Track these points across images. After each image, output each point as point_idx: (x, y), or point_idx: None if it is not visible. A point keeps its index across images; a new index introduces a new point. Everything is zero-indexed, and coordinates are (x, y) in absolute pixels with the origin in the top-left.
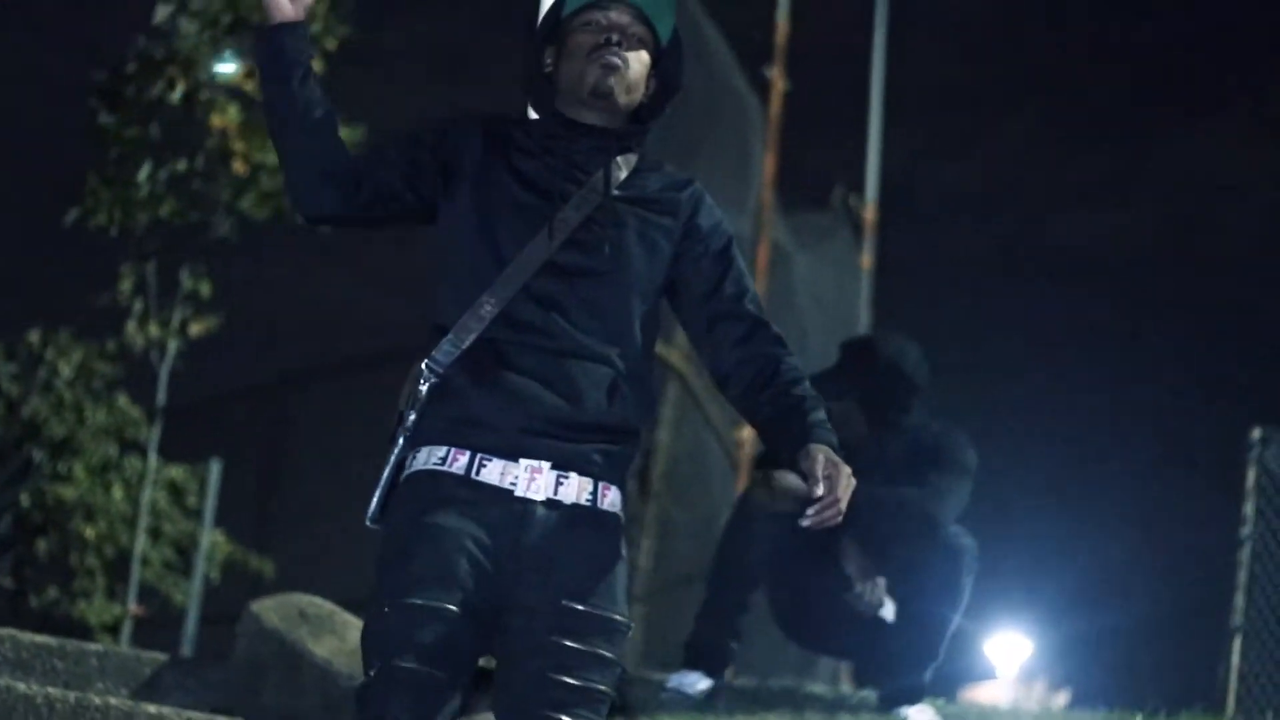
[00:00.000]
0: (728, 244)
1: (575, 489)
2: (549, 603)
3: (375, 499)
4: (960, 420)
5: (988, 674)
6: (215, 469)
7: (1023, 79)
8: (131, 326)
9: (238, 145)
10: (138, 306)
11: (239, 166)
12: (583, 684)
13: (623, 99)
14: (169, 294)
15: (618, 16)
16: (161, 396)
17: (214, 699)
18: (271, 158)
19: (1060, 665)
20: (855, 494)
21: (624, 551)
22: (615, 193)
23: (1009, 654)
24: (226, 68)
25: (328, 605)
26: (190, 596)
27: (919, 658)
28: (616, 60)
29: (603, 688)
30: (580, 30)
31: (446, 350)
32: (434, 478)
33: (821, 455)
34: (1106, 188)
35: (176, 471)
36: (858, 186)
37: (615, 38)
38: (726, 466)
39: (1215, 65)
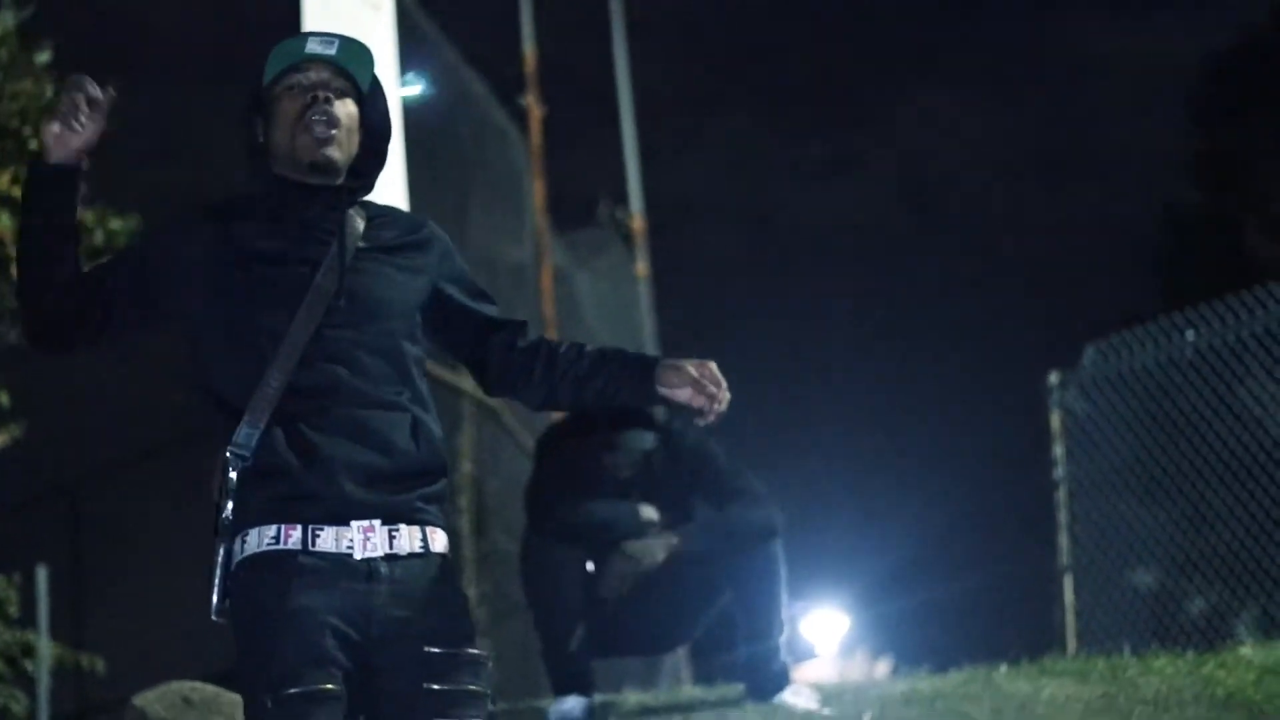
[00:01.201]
0: (463, 270)
1: (407, 539)
2: (412, 652)
3: (214, 592)
4: (757, 410)
5: (807, 653)
6: (43, 575)
7: (740, 70)
8: None
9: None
10: None
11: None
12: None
13: (343, 153)
14: None
15: (317, 74)
16: None
17: None
18: None
19: (880, 636)
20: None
21: (461, 589)
22: (360, 244)
23: (826, 631)
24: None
25: (210, 688)
26: (39, 704)
27: (766, 642)
28: (326, 124)
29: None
30: (284, 96)
31: (246, 433)
32: (272, 559)
33: (671, 362)
34: (837, 163)
35: None
36: (622, 198)
37: (320, 94)
38: None
39: (920, 28)
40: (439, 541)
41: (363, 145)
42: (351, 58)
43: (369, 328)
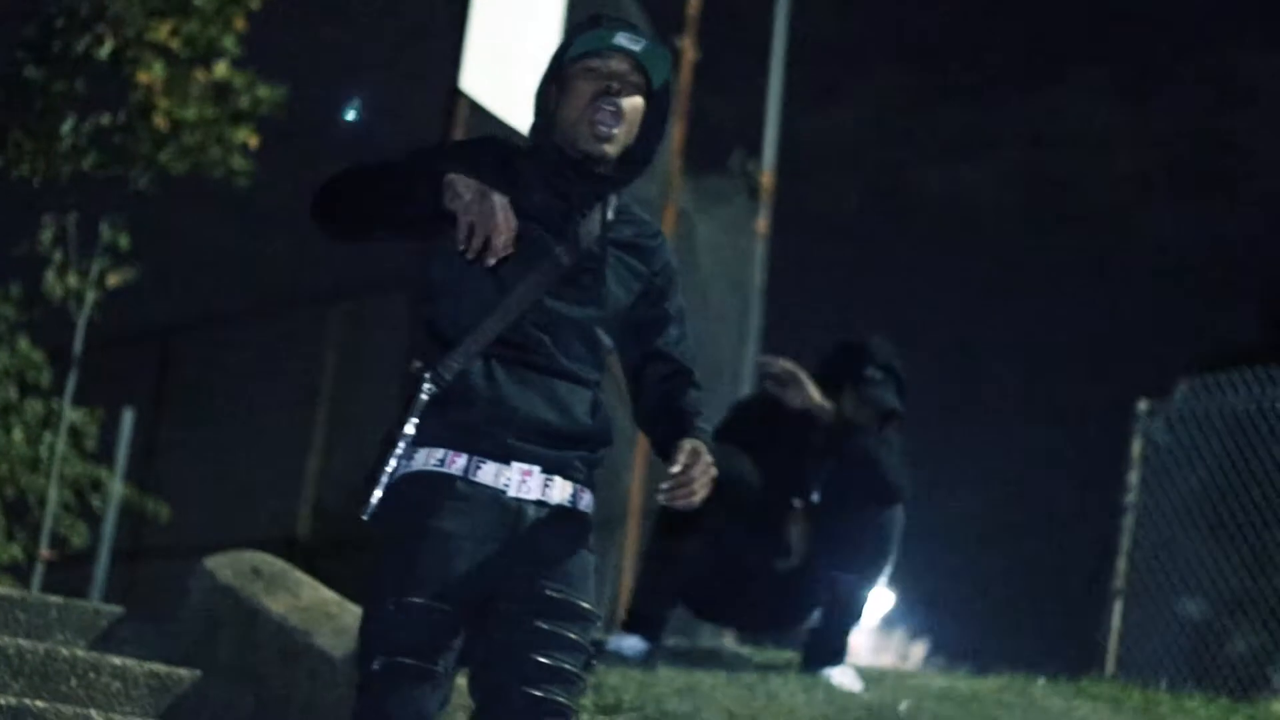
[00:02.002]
0: (675, 289)
1: (559, 491)
2: (532, 590)
3: (373, 496)
4: None
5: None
6: (128, 417)
7: (892, 33)
8: (51, 276)
9: (161, 101)
10: (57, 257)
11: (160, 122)
12: (555, 664)
13: (618, 146)
14: (88, 245)
15: (617, 65)
16: (78, 346)
17: (169, 652)
18: (192, 114)
19: (920, 619)
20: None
21: (593, 550)
22: (609, 235)
23: (870, 604)
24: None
25: (279, 563)
26: (102, 540)
27: (844, 621)
28: (613, 115)
29: (574, 669)
30: (582, 76)
31: (449, 365)
32: (432, 479)
33: (687, 444)
34: (974, 140)
35: (76, 415)
36: (756, 151)
37: (615, 85)
38: (630, 425)
39: (1078, 20)
40: (585, 501)
41: (637, 140)
42: (652, 57)
43: (582, 309)
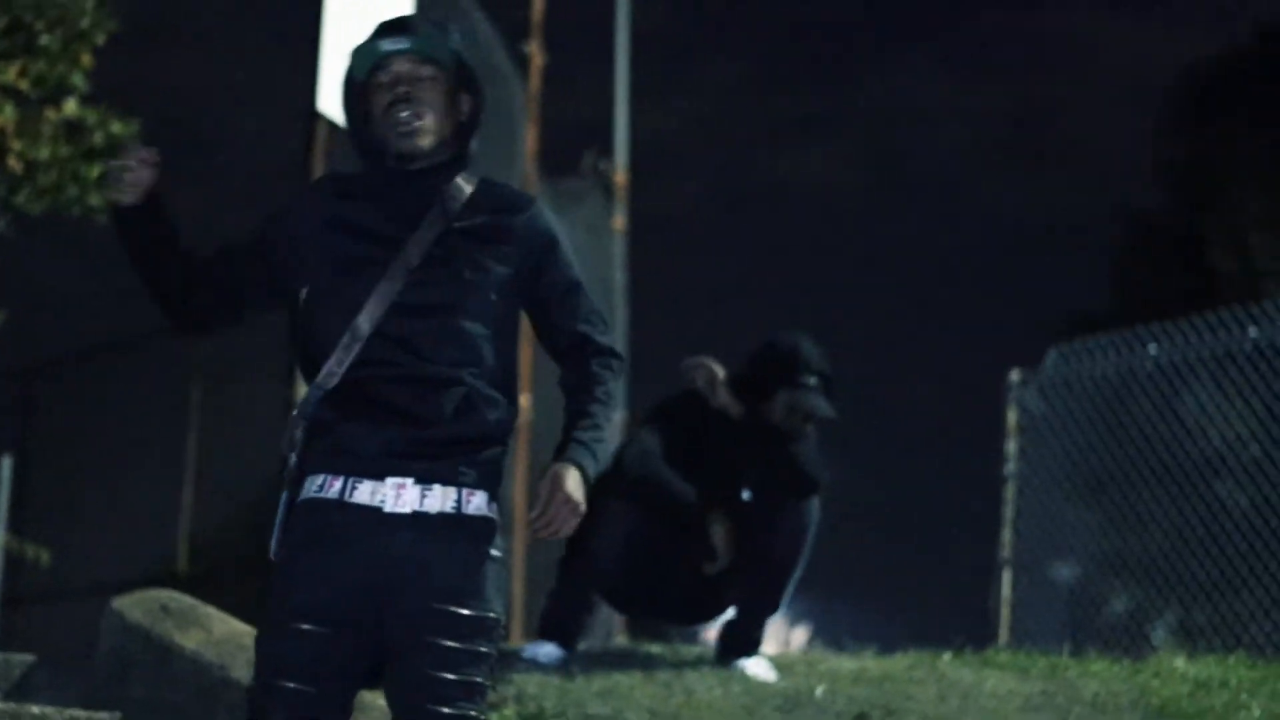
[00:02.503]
0: (557, 259)
1: (439, 499)
2: (424, 607)
3: (274, 535)
4: (711, 352)
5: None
6: (6, 465)
7: (728, 23)
8: None
9: (14, 143)
10: None
11: (14, 164)
12: (461, 678)
13: (431, 136)
14: None
15: (400, 66)
16: None
17: (86, 695)
18: (46, 153)
19: (800, 605)
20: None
21: (495, 550)
22: (455, 224)
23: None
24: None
25: (187, 599)
26: None
27: (760, 613)
28: (410, 117)
29: (480, 680)
30: (374, 91)
31: (312, 397)
32: (315, 505)
33: (550, 476)
34: (816, 124)
35: None
36: (608, 150)
37: (401, 90)
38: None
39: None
40: (474, 504)
41: (466, 115)
42: (425, 43)
43: (440, 306)
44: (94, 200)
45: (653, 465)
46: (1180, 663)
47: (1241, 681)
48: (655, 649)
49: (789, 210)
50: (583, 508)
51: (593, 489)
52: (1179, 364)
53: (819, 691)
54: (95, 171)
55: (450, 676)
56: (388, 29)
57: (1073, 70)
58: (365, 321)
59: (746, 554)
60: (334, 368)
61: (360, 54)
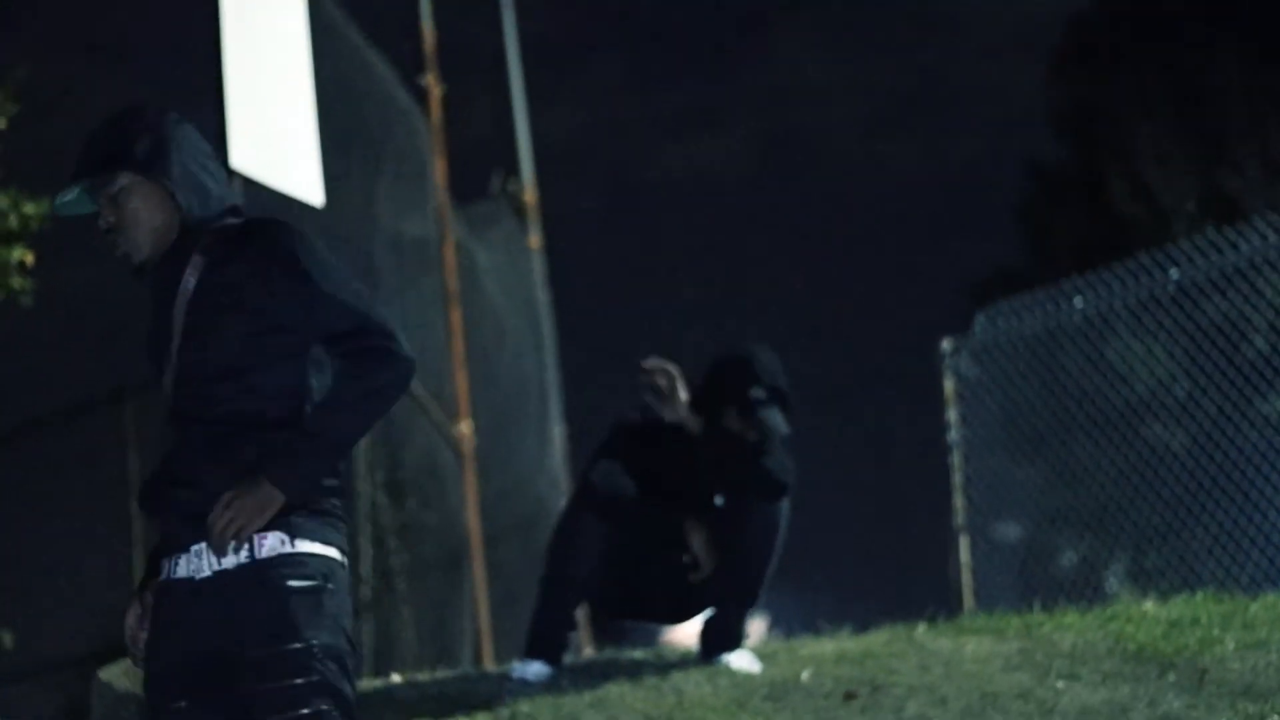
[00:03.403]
0: (295, 275)
1: (232, 555)
2: (245, 657)
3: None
4: (644, 356)
5: None
6: None
7: (612, 17)
8: None
9: None
10: None
11: None
12: (297, 714)
13: (140, 245)
14: None
15: (95, 209)
16: None
17: None
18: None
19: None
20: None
21: (299, 581)
22: (195, 295)
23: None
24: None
25: None
26: None
27: (741, 606)
28: (111, 237)
29: (326, 708)
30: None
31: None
32: (158, 589)
33: (243, 492)
34: (705, 113)
35: None
36: (514, 170)
37: (103, 222)
38: (454, 463)
39: None
40: (268, 545)
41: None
42: (91, 170)
43: (199, 372)
44: (17, 283)
45: (618, 482)
46: (1150, 606)
47: (1211, 618)
48: (639, 654)
49: (696, 201)
50: (255, 518)
51: (566, 508)
52: (1105, 313)
53: (805, 676)
54: (16, 254)
55: (287, 716)
56: (67, 181)
57: (956, 30)
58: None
59: (723, 553)
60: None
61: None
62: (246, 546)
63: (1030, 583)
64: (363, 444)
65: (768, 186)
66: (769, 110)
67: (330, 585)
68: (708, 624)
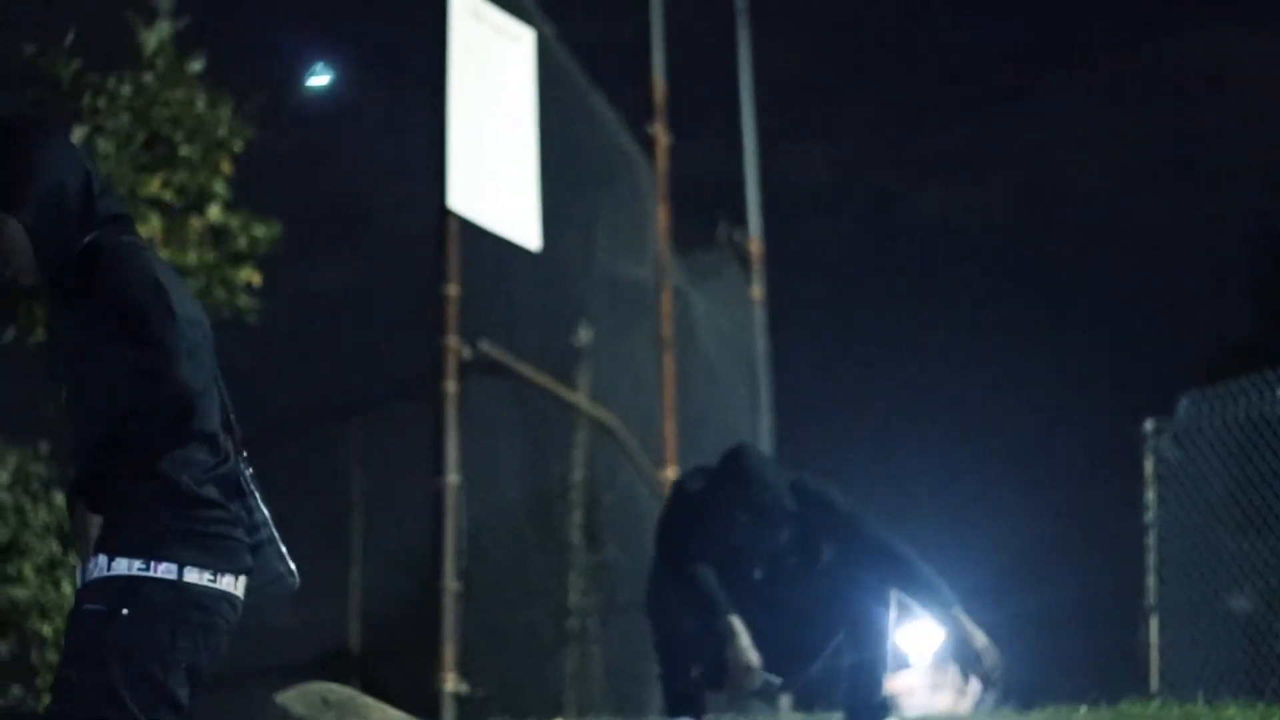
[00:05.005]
0: (97, 301)
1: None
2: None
3: None
4: (860, 413)
5: (901, 663)
6: None
7: (864, 62)
8: None
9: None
10: None
11: None
12: None
13: (35, 271)
14: None
15: None
16: None
17: None
18: (192, 259)
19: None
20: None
21: (92, 605)
22: (60, 323)
23: (921, 642)
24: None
25: (346, 689)
26: None
27: (871, 668)
28: (3, 270)
29: None
30: None
31: None
32: None
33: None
34: (959, 160)
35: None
36: (740, 220)
37: None
38: (656, 509)
39: (1047, 25)
40: (94, 568)
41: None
42: None
43: (72, 399)
44: (242, 302)
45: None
46: None
47: None
48: (798, 716)
49: (937, 252)
50: (85, 536)
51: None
52: None
53: None
54: (243, 274)
55: None
56: None
57: (1217, 91)
58: None
59: (834, 592)
60: None
61: None
62: (99, 563)
63: (1225, 669)
64: (569, 483)
65: (1015, 238)
66: (1026, 160)
67: (126, 610)
68: (844, 694)
